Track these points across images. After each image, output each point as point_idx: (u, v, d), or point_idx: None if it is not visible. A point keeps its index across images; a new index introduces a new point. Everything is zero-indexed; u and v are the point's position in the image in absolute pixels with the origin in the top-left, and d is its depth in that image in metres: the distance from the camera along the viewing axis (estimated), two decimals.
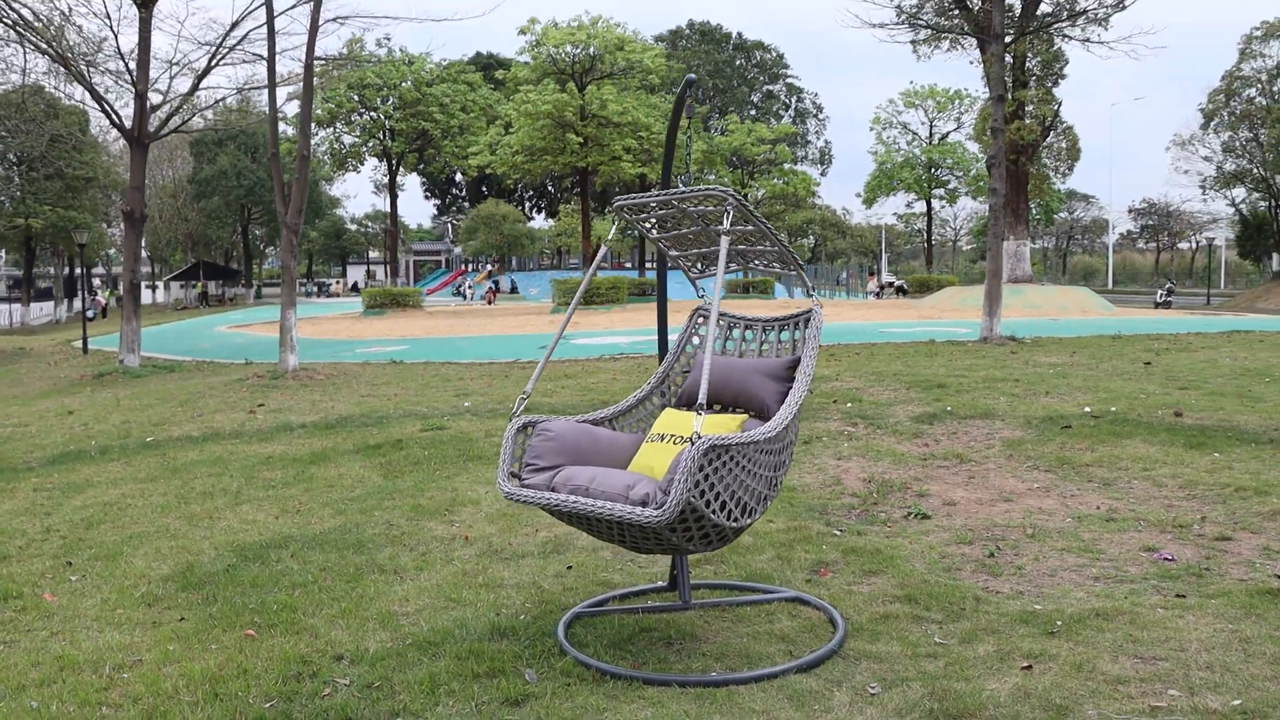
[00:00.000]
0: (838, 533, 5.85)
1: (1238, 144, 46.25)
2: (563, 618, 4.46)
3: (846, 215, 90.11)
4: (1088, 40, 17.80)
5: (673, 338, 5.06)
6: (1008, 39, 18.19)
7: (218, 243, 64.85)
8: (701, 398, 3.77)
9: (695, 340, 4.91)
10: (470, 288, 62.03)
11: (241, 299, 60.99)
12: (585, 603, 4.67)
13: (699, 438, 3.66)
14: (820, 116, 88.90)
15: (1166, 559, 5.18)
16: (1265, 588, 4.69)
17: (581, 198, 40.64)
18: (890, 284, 59.81)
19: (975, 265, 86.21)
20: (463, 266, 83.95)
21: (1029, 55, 35.46)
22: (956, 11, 38.35)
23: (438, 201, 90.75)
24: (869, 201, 64.70)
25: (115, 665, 4.20)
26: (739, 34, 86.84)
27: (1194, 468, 6.97)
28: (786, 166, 61.63)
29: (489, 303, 53.24)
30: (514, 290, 66.34)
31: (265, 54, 15.52)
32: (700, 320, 4.92)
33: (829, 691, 3.72)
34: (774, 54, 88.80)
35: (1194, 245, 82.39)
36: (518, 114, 36.06)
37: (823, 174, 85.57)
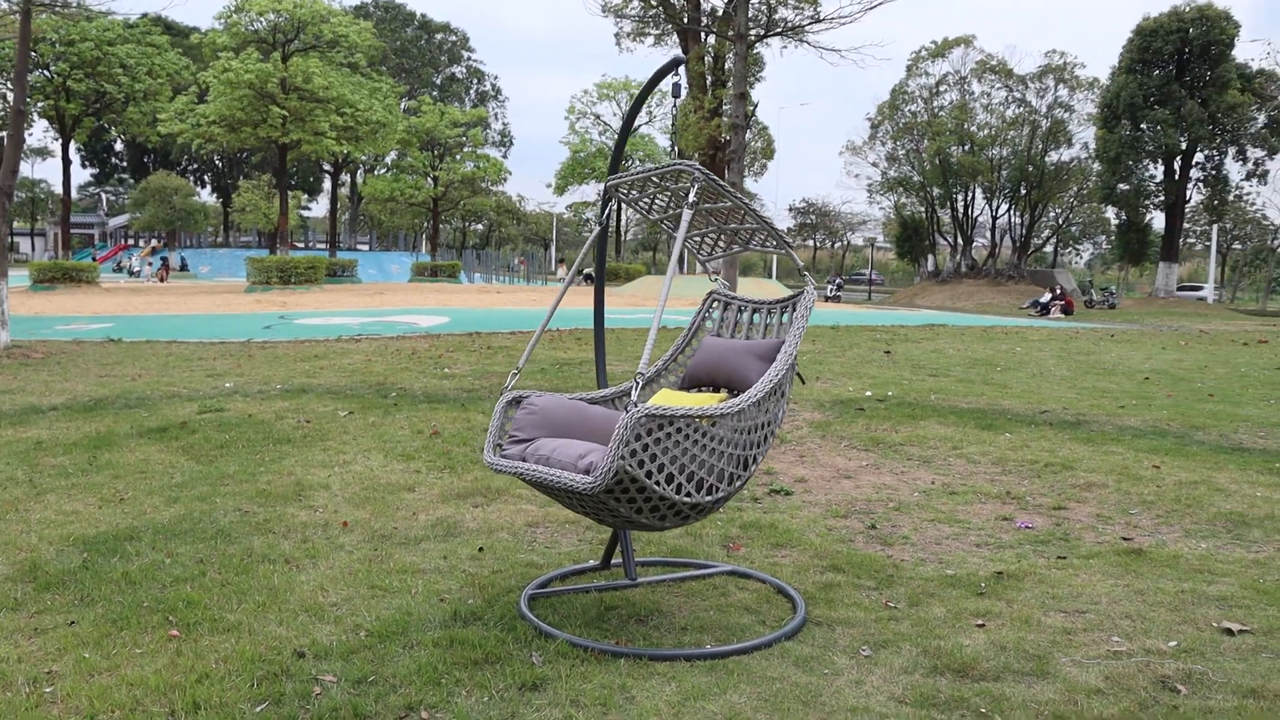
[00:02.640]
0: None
1: (901, 153, 50.82)
2: (520, 600, 4.34)
3: (521, 202, 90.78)
4: (818, 46, 18.99)
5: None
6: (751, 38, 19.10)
7: None
8: (642, 366, 3.79)
9: (708, 324, 4.91)
10: (149, 263, 57.60)
11: None
12: (532, 584, 4.55)
13: (634, 406, 3.68)
14: (500, 99, 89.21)
15: (1028, 527, 5.72)
16: (1124, 548, 5.29)
17: (279, 174, 38.57)
18: (580, 271, 61.34)
19: (637, 256, 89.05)
20: (124, 241, 77.62)
21: (727, 56, 37.41)
22: (659, 8, 39.72)
23: (94, 171, 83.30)
24: (560, 190, 65.83)
25: (28, 679, 3.65)
26: (423, 14, 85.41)
27: (997, 446, 7.70)
28: (479, 151, 61.56)
29: (161, 280, 49.72)
30: (184, 268, 62.26)
31: None
32: (714, 303, 4.92)
33: (827, 656, 3.86)
34: (459, 36, 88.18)
35: (845, 244, 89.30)
36: (217, 82, 33.66)
37: (504, 157, 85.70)
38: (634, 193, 4.47)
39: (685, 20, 37.76)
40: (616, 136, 4.96)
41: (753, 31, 19.54)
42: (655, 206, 4.58)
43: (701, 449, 3.87)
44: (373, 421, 8.61)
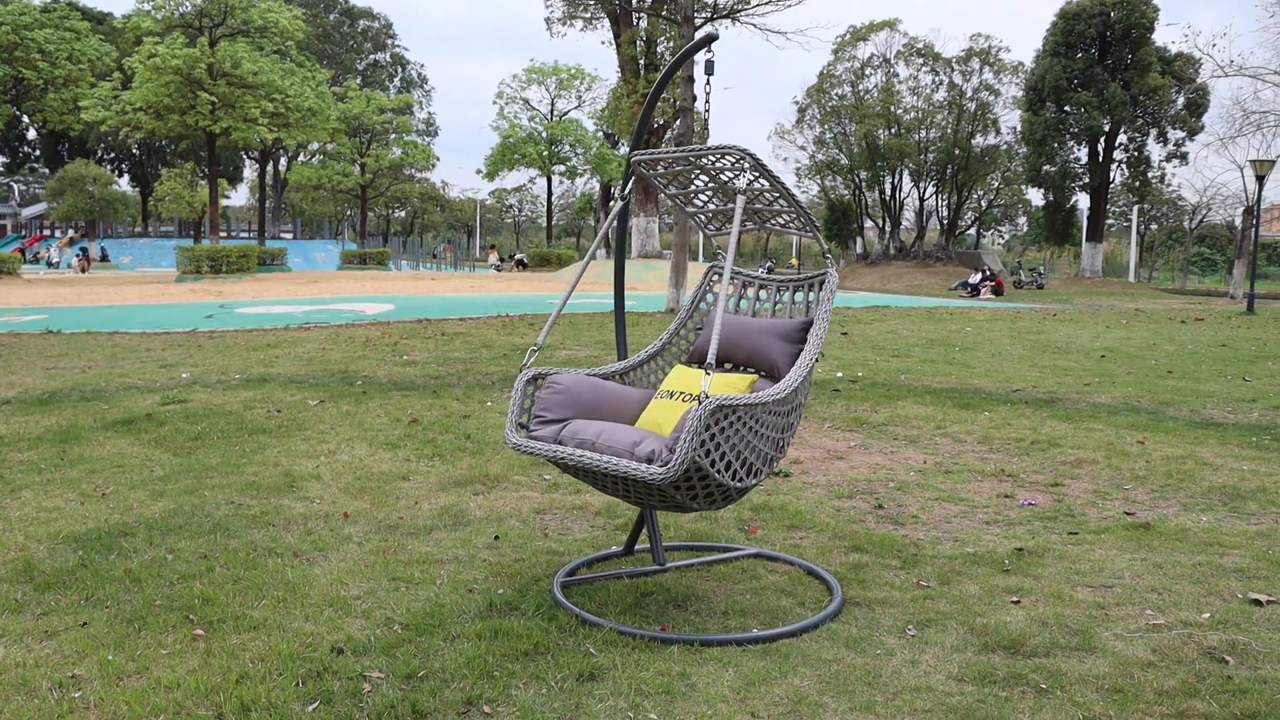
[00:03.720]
0: None
1: (829, 137, 51.22)
2: (552, 588, 4.26)
3: (445, 189, 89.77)
4: (764, 29, 19.02)
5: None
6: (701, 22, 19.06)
7: None
8: (710, 358, 3.74)
9: (709, 298, 4.84)
10: (76, 253, 56.05)
11: None
12: (562, 572, 4.47)
13: (707, 397, 3.64)
14: (426, 87, 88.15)
15: (1031, 504, 5.77)
16: (1130, 523, 5.36)
17: (209, 162, 37.61)
18: (512, 257, 61.14)
19: (560, 242, 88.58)
20: (40, 232, 75.31)
21: (659, 39, 37.31)
22: None
23: (4, 160, 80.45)
24: (491, 175, 65.28)
25: (53, 684, 3.48)
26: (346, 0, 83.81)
27: (979, 425, 7.77)
28: (407, 138, 60.83)
29: (82, 270, 48.45)
30: (104, 258, 60.63)
31: None
32: (715, 278, 4.86)
33: (875, 636, 3.84)
34: (382, 22, 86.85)
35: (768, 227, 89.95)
36: (143, 68, 32.59)
37: (429, 144, 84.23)
38: (659, 169, 4.39)
39: (617, 2, 37.50)
40: (641, 111, 4.90)
41: (699, 16, 19.52)
42: (676, 184, 4.51)
43: (754, 434, 3.84)
44: (346, 410, 8.42)
